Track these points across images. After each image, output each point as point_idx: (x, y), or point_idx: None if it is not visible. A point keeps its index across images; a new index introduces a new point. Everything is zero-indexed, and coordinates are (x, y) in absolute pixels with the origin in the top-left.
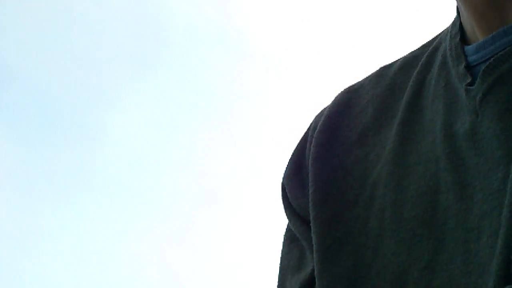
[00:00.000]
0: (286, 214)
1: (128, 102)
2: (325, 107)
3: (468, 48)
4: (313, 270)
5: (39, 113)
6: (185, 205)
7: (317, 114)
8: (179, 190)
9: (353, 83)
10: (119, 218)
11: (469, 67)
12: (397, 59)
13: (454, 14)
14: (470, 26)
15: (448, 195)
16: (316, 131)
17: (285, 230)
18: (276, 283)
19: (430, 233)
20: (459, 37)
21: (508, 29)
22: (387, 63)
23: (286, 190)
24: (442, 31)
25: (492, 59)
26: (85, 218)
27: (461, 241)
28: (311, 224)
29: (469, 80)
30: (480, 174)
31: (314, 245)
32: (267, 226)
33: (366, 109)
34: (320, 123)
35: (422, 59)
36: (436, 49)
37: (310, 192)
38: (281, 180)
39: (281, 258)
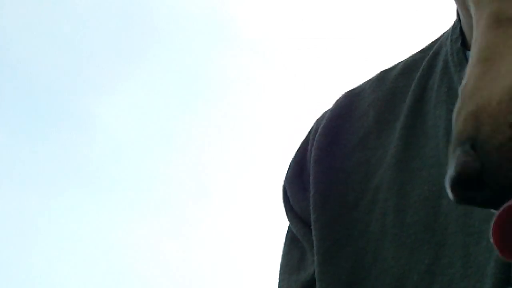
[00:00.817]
0: (288, 217)
1: (118, 90)
2: (326, 110)
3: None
4: (314, 271)
5: (26, 102)
6: (178, 195)
7: (318, 117)
8: (171, 180)
9: (354, 87)
10: (108, 209)
11: None
12: (397, 62)
13: (454, 17)
14: (470, 31)
15: (449, 200)
16: (317, 134)
17: (286, 231)
18: (277, 282)
19: (432, 238)
20: (460, 41)
21: None
22: (388, 67)
23: (288, 193)
24: (442, 34)
25: None
26: (74, 209)
27: (461, 245)
28: (312, 227)
29: None
30: None
31: (314, 248)
32: (262, 217)
33: (367, 113)
34: (321, 126)
35: (423, 63)
36: (437, 53)
37: (311, 194)
38: (282, 183)
39: (282, 258)
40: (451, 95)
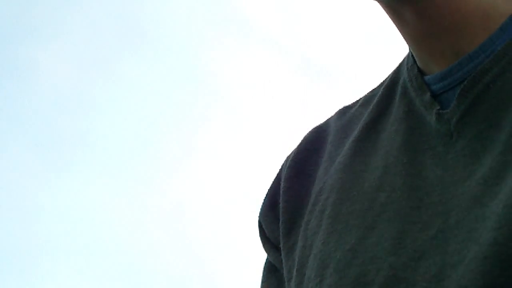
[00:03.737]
0: (265, 249)
1: (59, 37)
2: (295, 147)
3: (429, 78)
4: None
5: None
6: (122, 145)
7: (288, 154)
8: (113, 128)
9: (320, 123)
10: (37, 159)
11: (434, 96)
12: (358, 99)
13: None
14: (422, 60)
15: (391, 193)
16: (286, 167)
17: (264, 263)
18: None
19: (362, 223)
20: (416, 68)
21: (474, 54)
22: (349, 104)
23: (263, 226)
24: (396, 67)
25: (466, 81)
26: (11, 161)
27: (396, 231)
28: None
29: (437, 107)
30: (444, 183)
31: (284, 273)
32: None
33: (328, 141)
34: (289, 159)
35: (380, 91)
36: (395, 82)
37: (279, 224)
38: (258, 218)
39: (261, 287)
40: (411, 115)
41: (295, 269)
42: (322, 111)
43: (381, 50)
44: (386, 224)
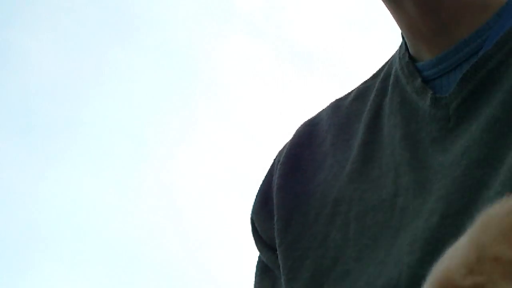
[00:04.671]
0: (257, 247)
1: (47, 23)
2: (286, 142)
3: (422, 64)
4: None
5: None
6: (115, 137)
7: (280, 150)
8: (104, 119)
9: (312, 117)
10: (24, 148)
11: (426, 82)
12: (350, 91)
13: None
14: (415, 47)
15: (407, 195)
16: (279, 163)
17: (256, 262)
18: None
19: (387, 233)
20: (407, 56)
21: (470, 38)
22: (341, 96)
23: (255, 224)
24: (389, 59)
25: (470, 66)
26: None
27: (413, 233)
28: (277, 252)
29: (430, 92)
30: (443, 169)
31: (281, 270)
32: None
33: (325, 139)
34: (282, 155)
35: (376, 86)
36: (388, 74)
37: (274, 221)
38: (250, 216)
39: (254, 287)
40: (404, 105)
41: (307, 275)
42: (309, 99)
43: (366, 36)
44: (406, 229)
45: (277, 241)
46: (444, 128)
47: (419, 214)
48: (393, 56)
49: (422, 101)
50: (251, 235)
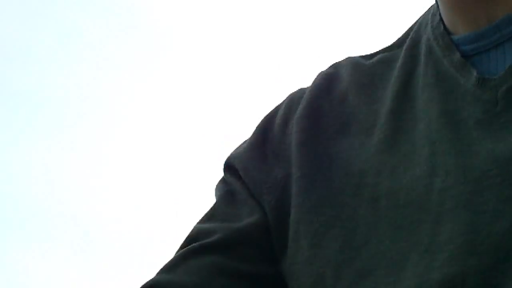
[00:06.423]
0: (226, 178)
1: None
2: (301, 88)
3: (458, 38)
4: (247, 224)
5: None
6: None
7: (293, 94)
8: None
9: (328, 70)
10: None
11: (465, 57)
12: (371, 53)
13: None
14: (450, 19)
15: (447, 178)
16: (297, 116)
17: (217, 186)
18: (200, 227)
19: (427, 216)
20: (442, 27)
21: None
22: (359, 55)
23: (239, 167)
24: (414, 25)
25: None
26: None
27: (464, 222)
28: (294, 211)
29: (474, 71)
30: (498, 159)
31: (301, 232)
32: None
33: (346, 97)
34: (300, 107)
35: (403, 52)
36: (417, 41)
37: (295, 177)
38: (228, 160)
39: (214, 207)
40: (441, 79)
41: (336, 246)
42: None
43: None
44: (451, 216)
45: (297, 199)
46: (491, 111)
47: (469, 205)
48: (418, 24)
49: (464, 79)
50: (222, 184)
